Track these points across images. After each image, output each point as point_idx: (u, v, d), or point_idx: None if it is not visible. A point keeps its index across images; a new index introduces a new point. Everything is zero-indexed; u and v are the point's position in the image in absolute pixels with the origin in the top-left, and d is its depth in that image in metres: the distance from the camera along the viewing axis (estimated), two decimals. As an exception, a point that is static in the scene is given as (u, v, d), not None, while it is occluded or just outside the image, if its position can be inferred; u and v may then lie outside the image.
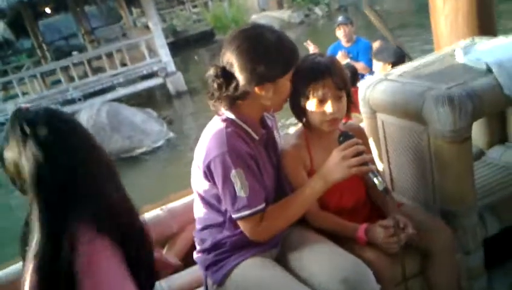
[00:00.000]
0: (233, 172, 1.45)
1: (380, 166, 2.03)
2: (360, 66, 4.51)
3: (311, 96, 1.55)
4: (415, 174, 1.86)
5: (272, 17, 15.03)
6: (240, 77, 1.46)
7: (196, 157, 1.58)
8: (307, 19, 15.21)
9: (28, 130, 1.08)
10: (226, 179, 1.46)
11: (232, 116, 1.53)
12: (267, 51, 1.46)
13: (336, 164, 1.46)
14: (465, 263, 1.80)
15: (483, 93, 1.65)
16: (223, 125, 1.51)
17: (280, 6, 15.93)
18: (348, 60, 4.57)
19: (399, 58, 3.25)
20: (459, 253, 1.77)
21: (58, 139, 1.10)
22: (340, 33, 4.86)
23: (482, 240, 1.83)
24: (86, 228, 1.06)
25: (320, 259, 1.54)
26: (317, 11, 15.23)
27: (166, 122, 8.21)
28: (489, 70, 1.75)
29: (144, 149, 7.25)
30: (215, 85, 1.49)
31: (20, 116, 1.11)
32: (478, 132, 2.27)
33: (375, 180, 1.44)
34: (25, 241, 1.12)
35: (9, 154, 1.11)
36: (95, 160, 1.15)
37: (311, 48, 4.59)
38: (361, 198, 1.77)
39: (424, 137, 1.73)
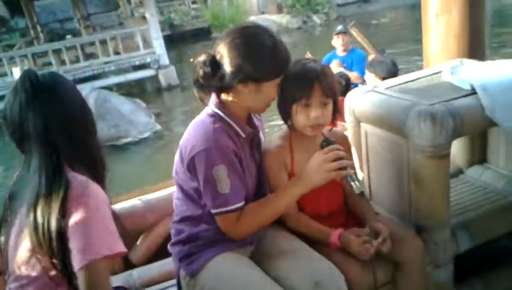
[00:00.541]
0: (216, 168, 1.46)
1: (360, 175, 2.07)
2: (353, 75, 4.58)
3: (297, 99, 1.57)
4: (392, 185, 1.89)
5: (270, 20, 15.06)
6: (227, 70, 1.48)
7: (180, 150, 1.58)
8: (305, 25, 15.29)
9: (37, 85, 1.24)
10: (209, 174, 1.47)
11: (220, 112, 1.55)
12: (259, 52, 1.47)
13: (315, 168, 1.49)
14: (434, 277, 1.83)
15: (465, 113, 1.69)
16: (210, 120, 1.52)
17: (279, 10, 15.98)
18: (342, 69, 4.63)
19: (391, 74, 3.30)
20: (429, 266, 1.80)
21: (62, 94, 1.27)
22: (337, 42, 4.92)
23: (453, 256, 1.87)
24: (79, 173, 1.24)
25: (294, 261, 1.56)
26: (316, 19, 15.31)
27: (155, 114, 8.18)
28: (473, 91, 1.80)
29: (129, 139, 7.20)
30: (201, 72, 1.51)
31: (31, 75, 1.25)
32: (459, 150, 2.32)
33: (353, 184, 1.47)
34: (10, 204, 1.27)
35: (17, 107, 1.23)
36: (88, 115, 1.35)
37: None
38: (338, 205, 1.80)
39: (404, 150, 1.77)
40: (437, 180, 1.73)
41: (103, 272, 1.18)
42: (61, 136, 1.25)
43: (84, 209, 1.17)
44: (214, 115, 1.55)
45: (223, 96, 1.56)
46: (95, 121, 1.39)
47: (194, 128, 1.55)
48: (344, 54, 4.91)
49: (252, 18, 15.41)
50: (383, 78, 3.24)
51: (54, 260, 1.17)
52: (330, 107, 1.61)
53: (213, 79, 1.50)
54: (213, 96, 1.59)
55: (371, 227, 1.61)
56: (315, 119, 1.57)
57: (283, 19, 15.41)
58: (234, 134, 1.55)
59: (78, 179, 1.22)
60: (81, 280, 1.16)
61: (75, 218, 1.16)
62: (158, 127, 7.64)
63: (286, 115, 1.65)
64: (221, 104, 1.56)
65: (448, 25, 2.38)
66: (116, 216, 1.28)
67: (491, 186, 2.15)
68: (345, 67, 4.73)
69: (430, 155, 1.68)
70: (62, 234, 1.16)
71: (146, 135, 7.38)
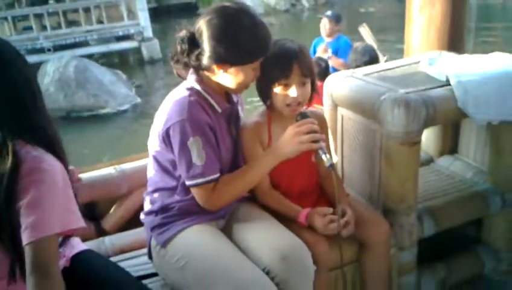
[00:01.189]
0: (191, 139, 1.48)
1: (334, 158, 2.11)
2: (338, 62, 4.60)
3: (276, 80, 1.59)
4: (364, 169, 1.94)
5: (258, 0, 14.94)
6: (203, 50, 1.49)
7: (156, 121, 1.60)
8: (293, 8, 15.20)
9: None
10: (183, 145, 1.49)
11: (197, 86, 1.56)
12: (236, 35, 1.47)
13: (288, 139, 1.52)
14: (398, 258, 1.91)
15: (439, 103, 1.75)
16: (186, 93, 1.54)
17: (268, -10, 15.85)
18: (328, 54, 4.64)
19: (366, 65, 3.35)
20: (394, 248, 1.87)
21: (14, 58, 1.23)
22: (322, 26, 4.94)
23: (417, 240, 1.94)
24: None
25: (263, 235, 1.60)
26: (304, 2, 15.23)
27: (135, 87, 8.09)
28: (448, 82, 1.85)
29: (108, 110, 7.12)
30: (179, 48, 1.52)
31: None
32: (431, 140, 2.39)
33: (323, 157, 1.51)
34: None
35: None
36: (32, 87, 1.26)
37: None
38: (311, 184, 1.84)
39: (377, 135, 1.82)
40: (407, 166, 1.79)
41: (52, 249, 1.13)
42: (2, 110, 1.18)
43: (38, 184, 1.12)
44: (191, 89, 1.56)
45: (201, 72, 1.57)
46: (42, 93, 1.30)
47: (170, 101, 1.56)
48: (329, 39, 4.93)
49: (240, -4, 15.26)
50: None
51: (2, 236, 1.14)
52: (308, 86, 1.64)
53: (189, 57, 1.51)
54: (191, 71, 1.60)
55: (339, 208, 1.66)
56: (294, 99, 1.60)
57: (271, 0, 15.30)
58: (210, 108, 1.56)
59: (33, 153, 1.17)
60: (27, 256, 1.10)
61: (29, 193, 1.11)
62: (138, 100, 7.57)
63: (265, 95, 1.67)
64: (199, 79, 1.57)
65: (431, 18, 2.43)
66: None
67: (459, 176, 2.23)
68: (331, 53, 4.75)
69: (401, 141, 1.73)
70: (12, 210, 1.12)
71: (125, 107, 7.30)
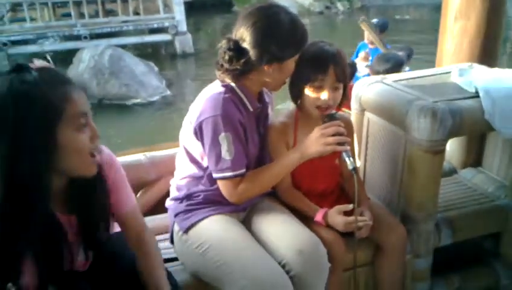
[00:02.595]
0: (222, 135, 1.54)
1: (358, 161, 2.15)
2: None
3: (311, 80, 1.63)
4: (386, 174, 1.97)
5: (293, 0, 14.95)
6: (252, 53, 1.54)
7: (190, 114, 1.66)
8: (327, 11, 15.14)
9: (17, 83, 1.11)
10: (215, 140, 1.55)
11: (232, 84, 1.62)
12: (281, 31, 1.54)
13: (314, 139, 1.57)
14: (413, 265, 1.93)
15: (465, 114, 1.76)
16: (222, 90, 1.60)
17: (303, -8, 15.84)
18: (368, 63, 4.62)
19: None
20: (409, 254, 1.90)
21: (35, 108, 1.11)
22: (366, 32, 4.93)
23: (433, 248, 1.96)
24: None
25: (282, 229, 1.65)
26: (339, 5, 15.16)
27: (166, 80, 8.23)
28: (477, 94, 1.86)
29: (138, 100, 7.26)
30: (227, 57, 1.56)
31: (15, 81, 1.11)
32: (455, 151, 2.40)
33: (347, 160, 1.55)
34: None
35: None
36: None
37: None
38: (333, 185, 1.88)
39: (402, 142, 1.84)
40: (429, 174, 1.81)
41: None
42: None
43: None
44: (226, 86, 1.61)
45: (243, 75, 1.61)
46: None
47: (205, 96, 1.62)
48: (373, 46, 4.89)
49: (276, -4, 15.28)
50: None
51: None
52: (340, 91, 1.67)
53: (238, 63, 1.55)
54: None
55: (359, 210, 1.69)
56: (325, 102, 1.63)
57: (306, 0, 15.27)
58: (242, 106, 1.62)
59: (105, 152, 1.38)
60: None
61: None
62: (168, 92, 7.69)
63: (297, 94, 1.71)
64: (236, 77, 1.62)
65: (465, 29, 2.43)
66: None
67: (481, 189, 2.23)
68: (371, 61, 4.73)
69: (425, 149, 1.76)
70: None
71: (155, 98, 7.43)
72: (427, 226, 1.89)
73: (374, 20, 4.99)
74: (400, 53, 4.59)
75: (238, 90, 1.62)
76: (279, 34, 1.54)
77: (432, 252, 1.95)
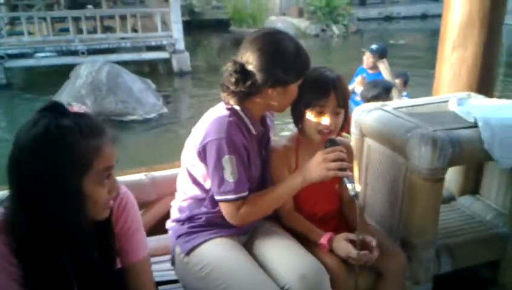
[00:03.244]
0: (226, 157, 1.56)
1: (357, 187, 2.16)
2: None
3: (312, 105, 1.66)
4: (386, 200, 1.99)
5: (289, 22, 15.11)
6: (257, 76, 1.57)
7: (193, 135, 1.68)
8: (323, 33, 15.34)
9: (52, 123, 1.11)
10: (218, 162, 1.57)
11: (237, 107, 1.64)
12: (285, 57, 1.58)
13: (316, 164, 1.59)
14: (411, 292, 1.94)
15: (465, 143, 1.80)
16: (226, 113, 1.62)
17: (300, 15, 16.02)
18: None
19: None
20: (409, 281, 1.91)
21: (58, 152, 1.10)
22: (364, 58, 5.00)
23: (433, 276, 1.97)
24: None
25: (284, 253, 1.66)
26: (335, 29, 15.36)
27: (163, 97, 8.26)
28: (475, 124, 1.90)
29: (135, 117, 7.27)
30: (233, 79, 1.58)
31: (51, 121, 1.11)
32: (454, 179, 2.43)
33: (349, 186, 1.57)
34: None
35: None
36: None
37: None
38: (333, 210, 1.90)
39: (402, 169, 1.87)
40: (429, 201, 1.83)
41: None
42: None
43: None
44: (230, 109, 1.64)
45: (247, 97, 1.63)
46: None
47: (210, 118, 1.65)
48: (371, 72, 4.96)
49: (272, 18, 15.46)
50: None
51: None
52: (342, 116, 1.70)
53: (243, 85, 1.58)
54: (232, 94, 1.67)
55: (362, 236, 1.70)
56: (327, 127, 1.66)
57: (302, 23, 15.46)
58: (246, 130, 1.64)
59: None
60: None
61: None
62: (165, 109, 7.71)
63: (298, 118, 1.74)
64: (239, 101, 1.65)
65: (462, 58, 2.49)
66: None
67: (479, 216, 2.26)
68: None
69: (425, 177, 1.78)
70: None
71: (152, 115, 7.44)
72: (427, 253, 1.91)
73: (373, 46, 5.02)
74: (397, 80, 4.67)
75: (242, 114, 1.65)
76: (284, 59, 1.58)
77: (431, 279, 1.96)
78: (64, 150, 1.09)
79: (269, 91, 1.60)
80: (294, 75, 1.61)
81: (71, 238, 1.17)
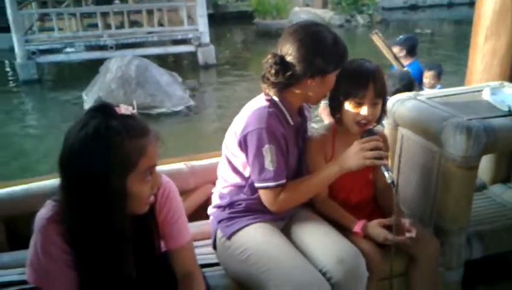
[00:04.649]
0: (266, 146, 1.64)
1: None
2: None
3: (351, 97, 1.72)
4: (419, 188, 2.04)
5: (313, 13, 15.06)
6: (296, 67, 1.64)
7: (234, 125, 1.76)
8: (347, 24, 15.23)
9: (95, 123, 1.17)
10: (259, 151, 1.65)
11: (276, 99, 1.71)
12: (324, 47, 1.64)
13: (353, 153, 1.65)
14: (445, 277, 1.98)
15: (499, 131, 1.83)
16: (266, 104, 1.69)
17: (324, 5, 15.96)
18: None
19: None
20: (441, 267, 1.95)
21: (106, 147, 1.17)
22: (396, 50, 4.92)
23: (465, 261, 2.01)
24: None
25: (321, 238, 1.73)
26: (359, 19, 15.24)
27: (190, 90, 8.38)
28: (509, 113, 1.93)
29: (163, 110, 7.41)
30: (273, 71, 1.65)
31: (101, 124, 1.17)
32: (486, 167, 2.45)
33: (386, 174, 1.62)
34: None
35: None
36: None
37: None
38: (367, 197, 1.95)
39: (436, 157, 1.91)
40: (463, 188, 1.87)
41: None
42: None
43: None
44: (270, 100, 1.71)
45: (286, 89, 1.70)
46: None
47: (250, 108, 1.72)
48: (405, 62, 4.92)
49: (296, 9, 15.43)
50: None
51: None
52: (379, 107, 1.75)
53: (283, 76, 1.65)
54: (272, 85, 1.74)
55: (397, 220, 1.74)
56: (365, 117, 1.71)
57: (326, 14, 15.38)
58: (284, 120, 1.71)
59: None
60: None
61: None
62: (191, 102, 7.83)
63: (336, 109, 1.79)
64: (279, 93, 1.72)
65: (495, 48, 2.49)
66: None
67: (510, 204, 2.28)
68: None
69: (460, 165, 1.82)
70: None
71: (179, 108, 7.56)
72: (459, 239, 1.95)
73: (401, 37, 4.89)
74: (431, 72, 4.63)
75: (280, 105, 1.71)
76: (323, 50, 1.64)
77: (463, 265, 2.01)
78: (111, 151, 1.15)
79: (308, 81, 1.67)
80: (333, 65, 1.67)
81: (115, 230, 1.25)
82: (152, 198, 1.32)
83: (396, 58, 4.41)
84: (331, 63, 1.66)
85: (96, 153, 1.15)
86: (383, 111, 1.78)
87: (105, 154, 1.15)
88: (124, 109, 1.22)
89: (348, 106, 1.73)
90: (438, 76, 4.69)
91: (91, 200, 1.19)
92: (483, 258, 2.07)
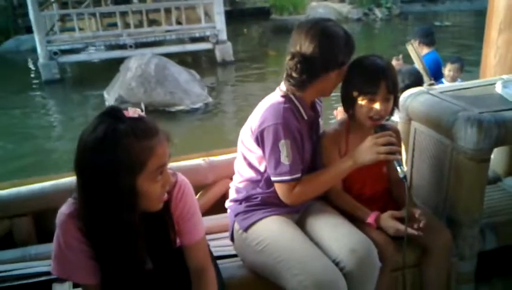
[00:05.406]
0: (282, 141, 1.70)
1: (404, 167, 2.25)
2: None
3: (364, 93, 1.76)
4: (432, 180, 2.07)
5: (331, 7, 15.00)
6: (320, 62, 1.70)
7: (250, 121, 1.83)
8: (365, 17, 15.12)
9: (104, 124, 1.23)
10: (275, 146, 1.71)
11: (291, 95, 1.77)
12: (339, 40, 1.72)
13: (367, 148, 1.71)
14: (458, 268, 2.02)
15: (510, 124, 1.85)
16: (281, 100, 1.76)
17: (341, -1, 15.91)
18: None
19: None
20: (455, 257, 1.99)
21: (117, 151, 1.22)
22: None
23: (478, 253, 2.04)
24: None
25: (334, 230, 1.78)
26: (377, 12, 15.11)
27: (208, 87, 8.47)
28: (522, 106, 1.95)
29: (182, 107, 7.52)
30: (299, 69, 1.70)
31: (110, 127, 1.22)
32: (500, 160, 2.47)
33: (398, 168, 1.67)
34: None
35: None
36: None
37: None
38: (380, 190, 2.00)
39: (448, 150, 1.95)
40: (475, 180, 1.90)
41: None
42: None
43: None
44: (285, 96, 1.77)
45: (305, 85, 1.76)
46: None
47: (266, 104, 1.79)
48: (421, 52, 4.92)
49: (313, 4, 15.38)
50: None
51: None
52: (391, 102, 1.79)
53: (307, 72, 1.71)
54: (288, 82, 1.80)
55: (409, 211, 1.78)
56: (378, 112, 1.76)
57: (344, 8, 15.30)
58: (299, 115, 1.78)
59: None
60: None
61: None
62: (210, 99, 7.92)
63: (349, 105, 1.84)
64: (293, 88, 1.77)
65: (509, 41, 2.51)
66: None
67: (525, 197, 2.30)
68: None
69: (471, 157, 1.85)
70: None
71: (198, 105, 7.67)
72: (472, 230, 1.98)
73: (415, 28, 4.95)
74: (454, 64, 4.63)
75: (295, 100, 1.78)
76: (338, 43, 1.72)
77: (476, 256, 2.04)
78: (120, 153, 1.20)
79: (329, 75, 1.74)
80: (348, 55, 1.76)
81: (127, 226, 1.31)
82: (165, 196, 1.38)
83: (426, 70, 4.46)
84: (347, 54, 1.75)
85: (105, 155, 1.21)
86: (395, 105, 1.83)
87: (114, 157, 1.20)
88: (132, 112, 1.27)
89: (361, 102, 1.78)
90: (461, 69, 4.69)
91: (103, 199, 1.25)
92: (499, 250, 2.09)
